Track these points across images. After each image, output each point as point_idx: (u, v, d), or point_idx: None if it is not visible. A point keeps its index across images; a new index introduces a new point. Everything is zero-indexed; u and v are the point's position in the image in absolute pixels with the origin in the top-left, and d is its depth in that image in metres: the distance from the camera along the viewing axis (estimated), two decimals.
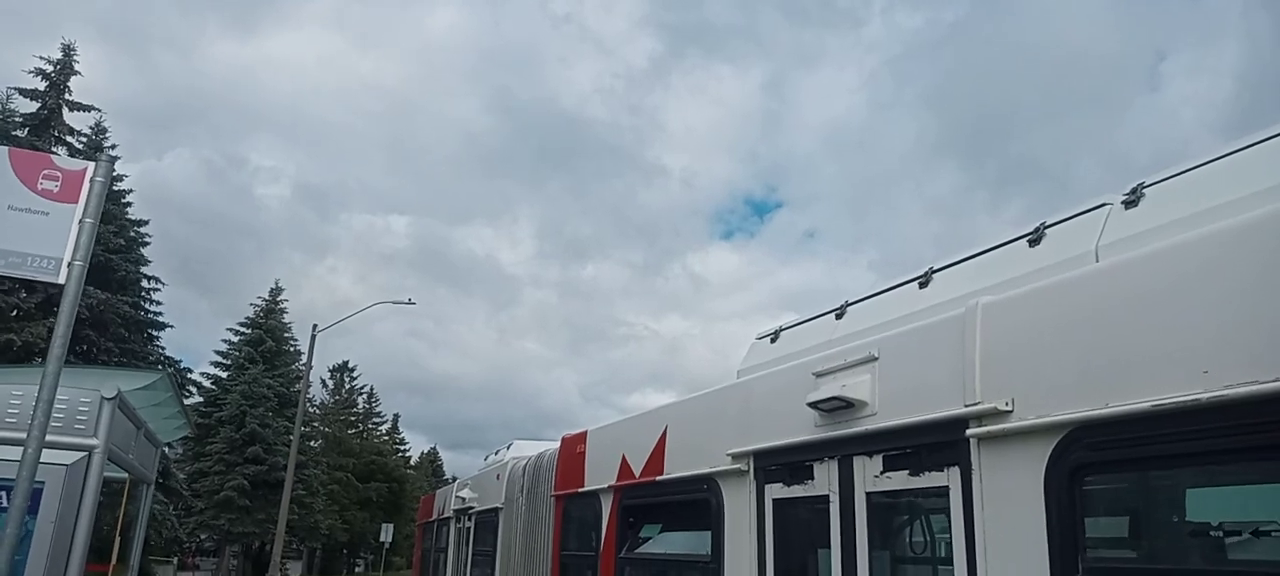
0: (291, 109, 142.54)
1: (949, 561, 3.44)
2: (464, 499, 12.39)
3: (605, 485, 6.86)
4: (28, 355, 26.51)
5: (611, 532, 6.67)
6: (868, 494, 3.94)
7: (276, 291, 47.74)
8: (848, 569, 3.96)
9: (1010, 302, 3.38)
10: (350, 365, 70.39)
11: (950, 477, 3.45)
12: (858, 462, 4.02)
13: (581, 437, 7.66)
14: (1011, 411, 3.17)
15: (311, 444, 51.23)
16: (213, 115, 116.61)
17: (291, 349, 46.63)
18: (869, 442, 3.95)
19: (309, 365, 35.58)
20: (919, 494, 3.80)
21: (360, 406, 72.12)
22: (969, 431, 3.33)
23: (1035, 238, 3.95)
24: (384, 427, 76.44)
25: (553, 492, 8.09)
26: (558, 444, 8.35)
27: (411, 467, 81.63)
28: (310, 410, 53.34)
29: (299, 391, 37.55)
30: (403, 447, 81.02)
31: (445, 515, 14.09)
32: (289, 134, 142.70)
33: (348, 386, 70.58)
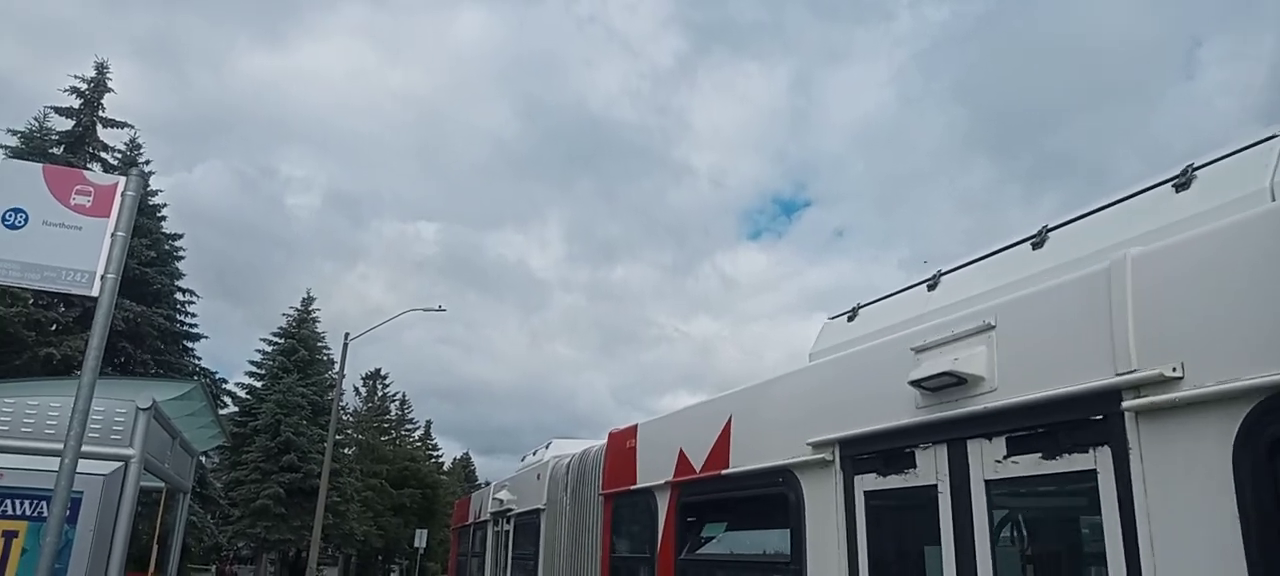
0: (321, 120, 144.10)
1: (1100, 558, 2.99)
2: (502, 501, 11.87)
3: (661, 482, 6.37)
4: (67, 368, 26.95)
5: (669, 532, 6.19)
6: (987, 482, 3.49)
7: (308, 301, 48.22)
8: (965, 568, 3.52)
9: (1170, 252, 2.93)
10: (382, 373, 70.95)
11: (1099, 460, 3.01)
12: (973, 446, 3.57)
13: (631, 432, 7.19)
14: (1181, 378, 2.74)
15: (345, 451, 51.64)
16: (243, 127, 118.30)
17: (324, 358, 47.02)
18: (988, 423, 3.49)
19: (342, 373, 35.87)
20: (1055, 480, 3.30)
21: (393, 413, 72.60)
22: (1124, 404, 2.89)
23: (1183, 181, 3.54)
24: (417, 434, 76.92)
25: (600, 491, 7.65)
26: (603, 441, 7.95)
27: (444, 473, 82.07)
28: (344, 418, 53.82)
29: (332, 399, 37.90)
30: (435, 453, 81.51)
31: (482, 518, 13.54)
32: (319, 144, 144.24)
33: (380, 394, 71.09)
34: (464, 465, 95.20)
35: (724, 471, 5.53)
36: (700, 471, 5.85)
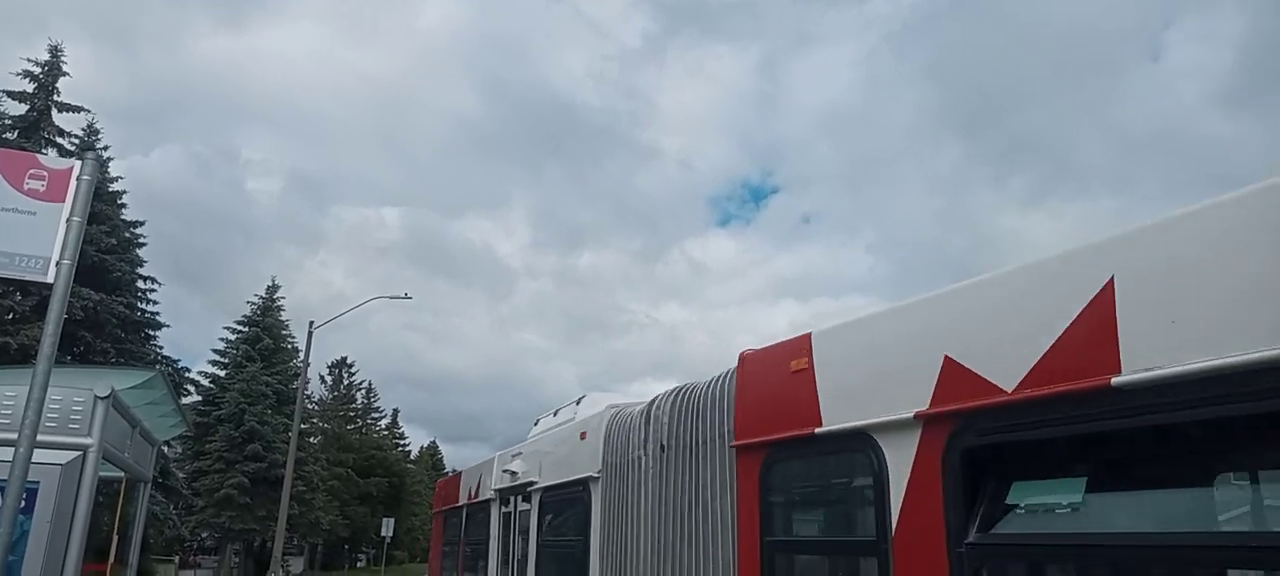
0: (282, 102, 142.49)
1: None
2: (515, 474, 9.49)
3: (896, 417, 3.92)
4: (25, 357, 26.45)
5: (927, 498, 3.72)
6: None
7: (273, 289, 47.70)
8: None
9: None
10: (348, 361, 70.47)
11: None
12: None
13: (798, 347, 4.73)
14: None
15: (311, 440, 51.29)
16: (201, 110, 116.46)
17: (289, 346, 46.59)
18: None
19: (306, 362, 35.57)
20: None
21: (359, 402, 72.22)
22: None
23: None
24: (383, 422, 76.58)
25: (732, 442, 5.26)
26: (729, 368, 5.57)
27: (412, 462, 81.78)
28: (309, 406, 53.41)
29: (297, 388, 37.56)
30: (402, 442, 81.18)
31: (479, 498, 11.34)
32: (280, 127, 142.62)
33: (346, 382, 70.65)
34: (432, 453, 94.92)
35: (1109, 381, 3.01)
36: (1017, 390, 3.39)
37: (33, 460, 4.77)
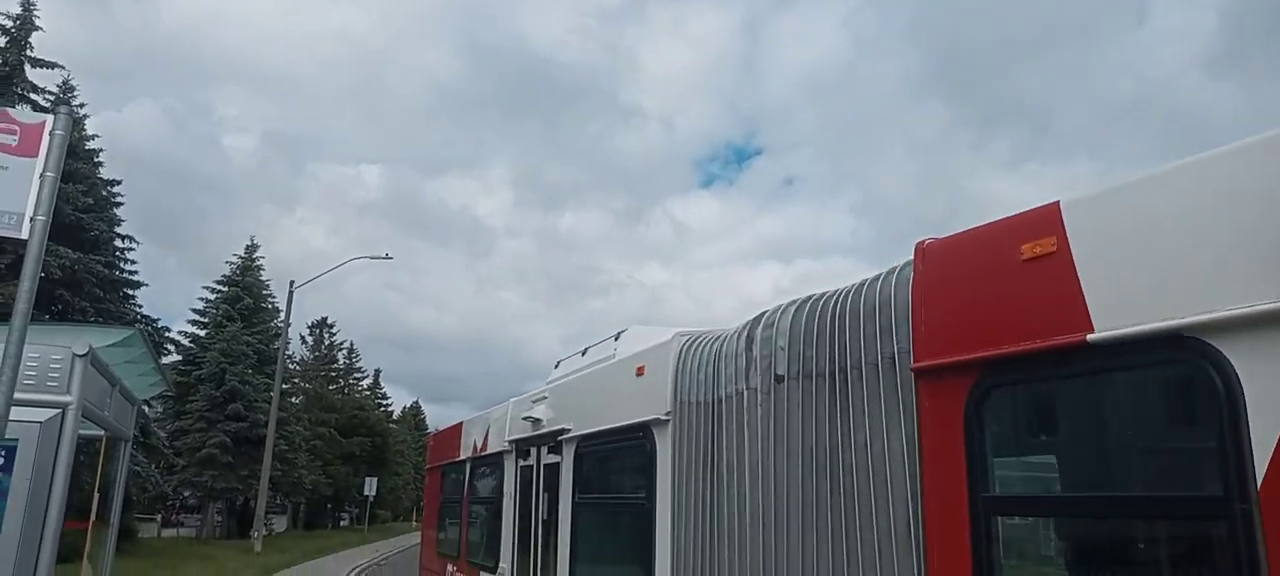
0: (256, 58, 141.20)
1: None
2: (538, 421, 8.24)
3: (1266, 308, 2.58)
4: (1, 316, 26.23)
5: None
6: None
7: (252, 248, 47.38)
8: None
9: None
10: (329, 321, 70.28)
11: None
12: None
13: (1036, 223, 3.32)
14: None
15: (293, 400, 51.23)
16: (175, 66, 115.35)
17: (269, 305, 46.36)
18: None
19: (287, 322, 35.49)
20: None
21: (340, 362, 72.16)
22: None
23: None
24: (365, 383, 76.64)
25: (915, 365, 3.85)
26: (892, 267, 4.24)
27: (394, 422, 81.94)
28: (290, 366, 53.30)
29: (278, 348, 37.44)
30: (385, 402, 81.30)
31: (486, 452, 10.14)
32: (255, 84, 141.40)
33: (327, 342, 70.51)
34: (414, 413, 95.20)
35: None
36: None
37: (11, 418, 4.75)
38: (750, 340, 5.15)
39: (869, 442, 4.09)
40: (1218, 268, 2.74)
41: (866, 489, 4.07)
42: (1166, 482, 3.23)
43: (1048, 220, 3.29)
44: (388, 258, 38.43)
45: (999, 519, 3.40)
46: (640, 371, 6.47)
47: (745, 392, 5.12)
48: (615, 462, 7.15)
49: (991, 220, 3.67)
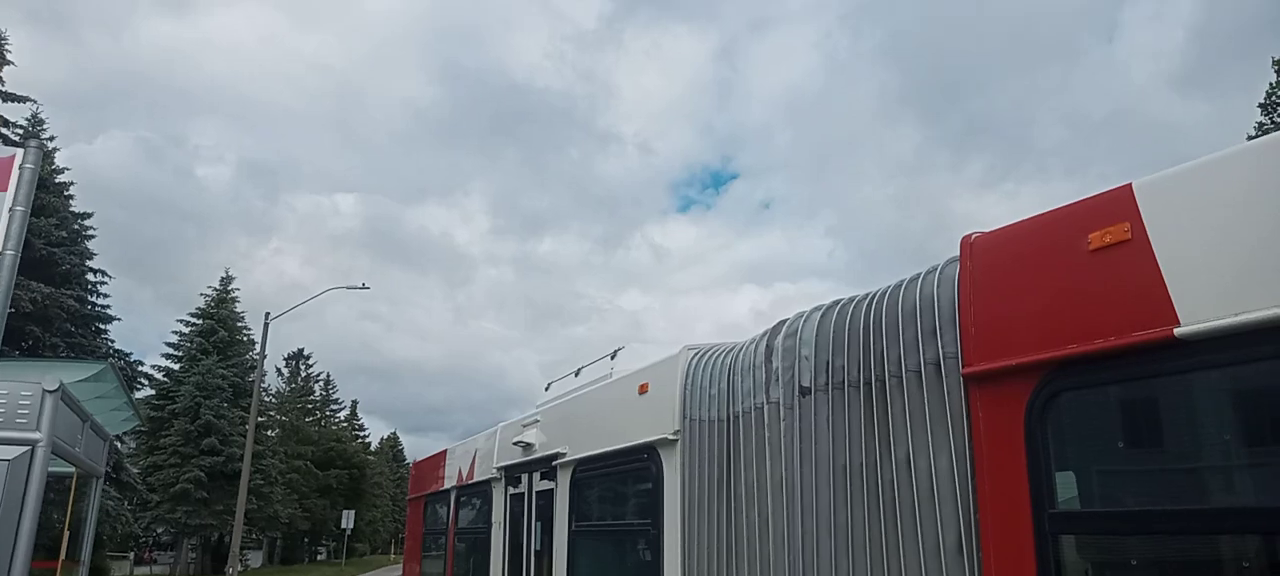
0: (230, 88, 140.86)
1: None
2: (529, 445, 7.94)
3: None
4: None
5: None
6: None
7: (227, 280, 47.00)
8: None
9: None
10: (305, 353, 69.69)
11: None
12: None
13: (1104, 210, 3.06)
14: None
15: (268, 433, 50.66)
16: (147, 96, 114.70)
17: (245, 338, 45.94)
18: None
19: (263, 354, 35.10)
20: None
21: (317, 394, 71.45)
22: None
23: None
24: (342, 414, 75.94)
25: (966, 369, 3.48)
26: (934, 266, 3.87)
27: (372, 453, 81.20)
28: (266, 399, 52.77)
29: (254, 381, 37.07)
30: (362, 433, 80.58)
31: (476, 479, 9.74)
32: (228, 114, 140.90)
33: (304, 374, 69.88)
34: (392, 444, 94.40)
35: None
36: None
37: None
38: (769, 350, 4.77)
39: (912, 457, 3.71)
40: None
41: (910, 508, 3.68)
42: (1268, 493, 2.83)
43: (1119, 205, 3.01)
44: (364, 287, 38.16)
45: (1067, 537, 3.07)
46: (643, 389, 6.13)
47: (765, 407, 4.73)
48: (617, 487, 6.76)
49: (1050, 208, 3.36)
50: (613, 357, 7.53)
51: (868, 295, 4.20)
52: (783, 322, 4.80)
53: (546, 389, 8.91)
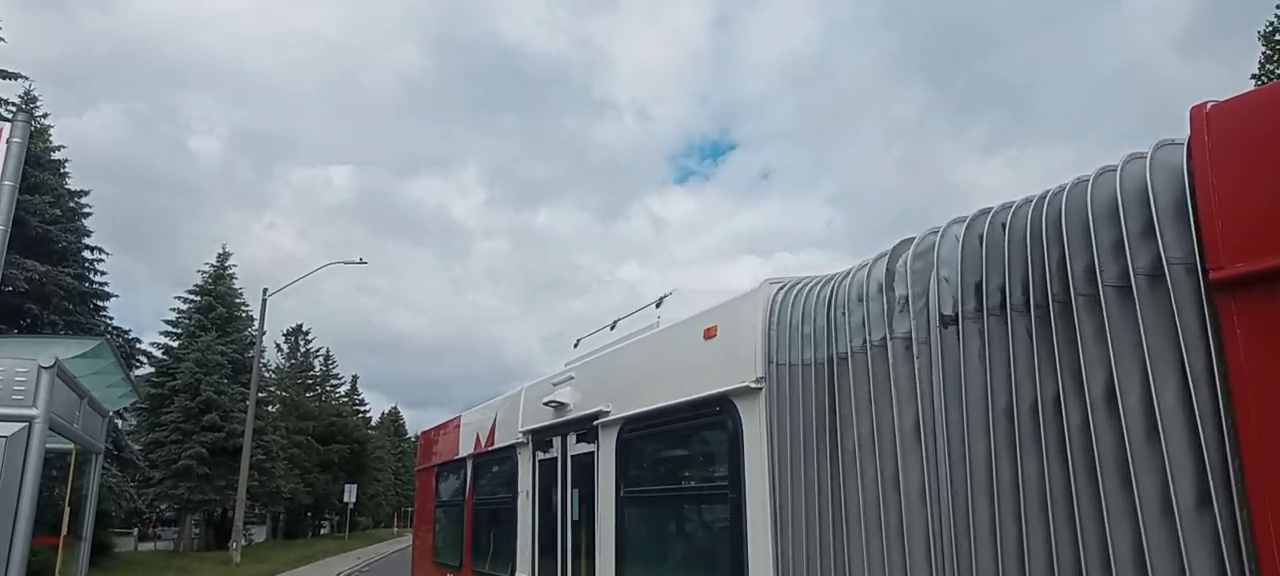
0: (221, 59, 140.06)
1: None
2: (564, 405, 7.26)
3: None
4: None
5: None
6: None
7: (224, 256, 46.89)
8: None
9: None
10: (304, 328, 69.77)
11: None
12: None
13: None
14: None
15: (269, 409, 50.80)
16: (138, 69, 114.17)
17: (243, 314, 45.91)
18: None
19: (261, 330, 35.18)
20: None
21: (317, 369, 71.63)
22: None
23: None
24: (342, 389, 76.17)
25: (1218, 274, 2.69)
26: (1136, 153, 3.11)
27: (373, 428, 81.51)
28: (266, 375, 52.89)
29: (253, 357, 37.13)
30: (363, 408, 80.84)
31: (496, 445, 9.05)
32: (220, 86, 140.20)
33: (303, 350, 70.00)
34: (393, 419, 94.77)
35: None
36: None
37: None
38: (890, 275, 4.02)
39: (1120, 392, 2.94)
40: None
41: (1115, 455, 2.96)
42: None
43: None
44: (362, 262, 38.30)
45: None
46: (710, 333, 5.30)
47: (890, 343, 3.91)
48: (678, 447, 5.95)
49: None
50: (658, 305, 6.83)
51: (1027, 199, 3.45)
52: (907, 242, 4.04)
53: (575, 346, 8.26)
